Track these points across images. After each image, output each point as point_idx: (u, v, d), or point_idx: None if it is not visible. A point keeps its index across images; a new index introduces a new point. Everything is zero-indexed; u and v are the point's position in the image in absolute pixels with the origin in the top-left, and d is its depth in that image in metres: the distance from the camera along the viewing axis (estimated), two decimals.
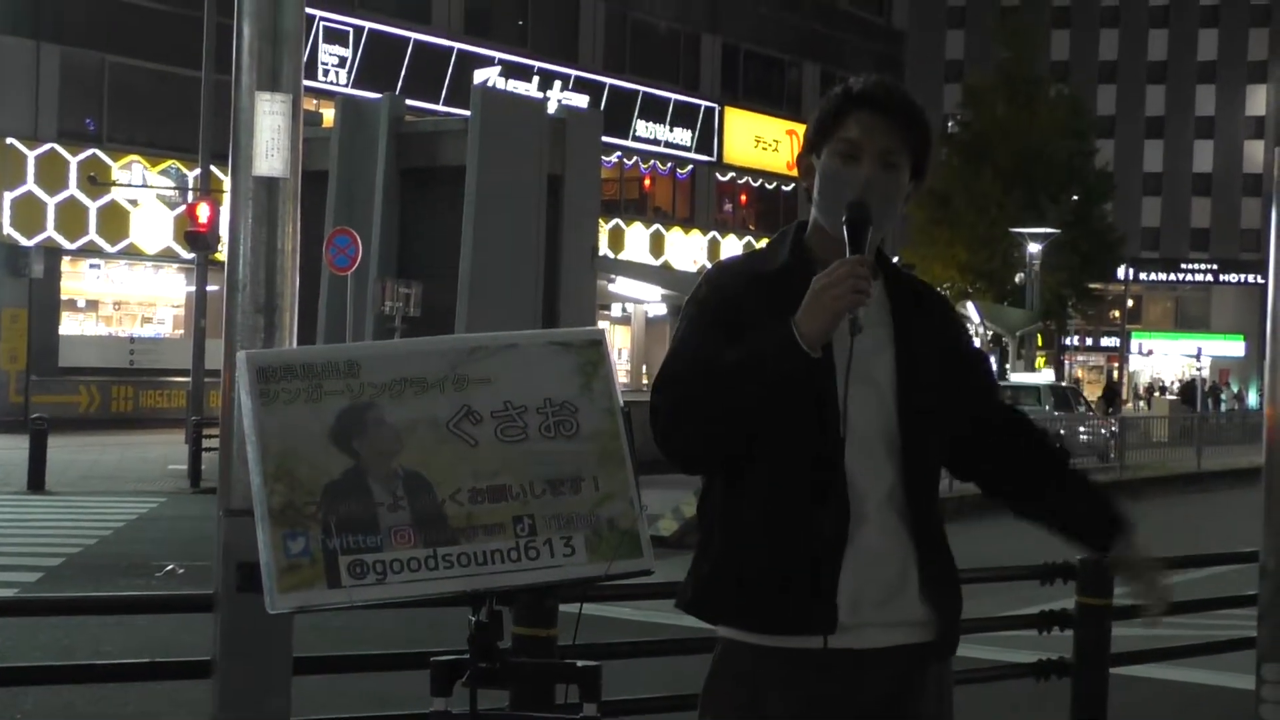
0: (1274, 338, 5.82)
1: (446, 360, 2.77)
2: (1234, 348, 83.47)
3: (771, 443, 2.86)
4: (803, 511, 2.86)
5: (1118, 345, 77.87)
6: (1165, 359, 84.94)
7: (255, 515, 2.60)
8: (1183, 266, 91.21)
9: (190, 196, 30.80)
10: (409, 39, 41.46)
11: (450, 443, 2.72)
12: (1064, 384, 44.10)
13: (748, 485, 2.90)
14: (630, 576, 2.75)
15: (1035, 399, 32.27)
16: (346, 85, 39.01)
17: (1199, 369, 64.33)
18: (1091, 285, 56.60)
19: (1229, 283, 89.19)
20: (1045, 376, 46.54)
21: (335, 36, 39.33)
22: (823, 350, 2.84)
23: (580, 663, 2.76)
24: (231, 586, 4.91)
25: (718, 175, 51.08)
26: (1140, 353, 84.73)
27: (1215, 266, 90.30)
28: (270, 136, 5.00)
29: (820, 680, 2.87)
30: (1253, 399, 71.99)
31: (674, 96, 49.14)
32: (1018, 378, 44.21)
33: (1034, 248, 45.61)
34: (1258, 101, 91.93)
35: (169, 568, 13.61)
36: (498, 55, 43.56)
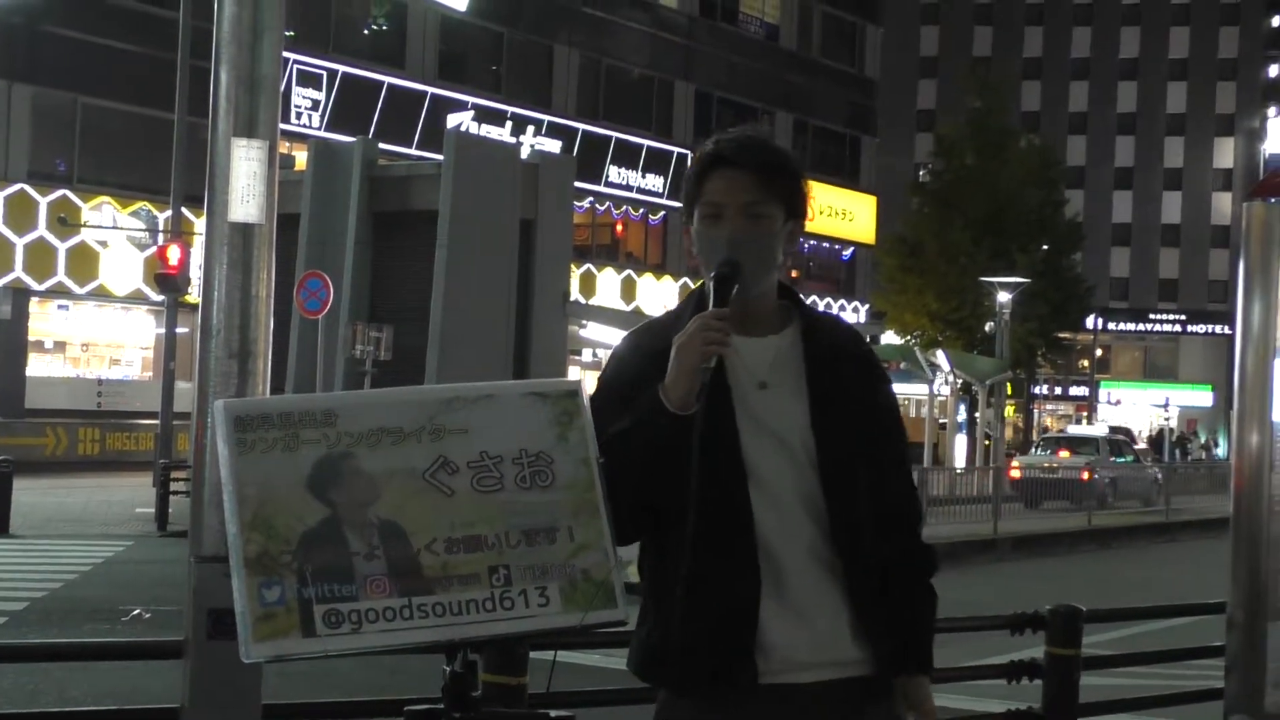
0: (1241, 389, 5.86)
1: (424, 410, 2.79)
2: (1202, 398, 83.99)
3: (682, 504, 2.89)
4: (713, 571, 2.91)
5: (1086, 395, 78.25)
6: (1134, 408, 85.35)
7: (230, 564, 2.61)
8: (1151, 317, 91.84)
9: (161, 238, 30.77)
10: (383, 82, 41.58)
11: (426, 493, 2.74)
12: (1118, 435, 46.31)
13: (666, 547, 2.96)
14: (604, 627, 2.77)
15: (1094, 449, 35.40)
16: (320, 128, 39.08)
17: (1167, 419, 64.69)
18: (1060, 335, 56.83)
19: (1197, 333, 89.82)
20: (1100, 428, 48.85)
21: (309, 79, 39.43)
22: (726, 407, 2.92)
23: (555, 713, 2.78)
24: (202, 633, 4.89)
25: None
26: (1109, 402, 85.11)
27: (1183, 317, 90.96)
28: (246, 182, 5.02)
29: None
30: (1221, 449, 72.33)
31: (646, 142, 49.36)
32: (1075, 429, 46.70)
33: (1004, 297, 45.81)
34: (1225, 154, 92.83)
35: (135, 612, 13.52)
36: (471, 100, 43.71)
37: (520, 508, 2.77)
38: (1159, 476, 34.03)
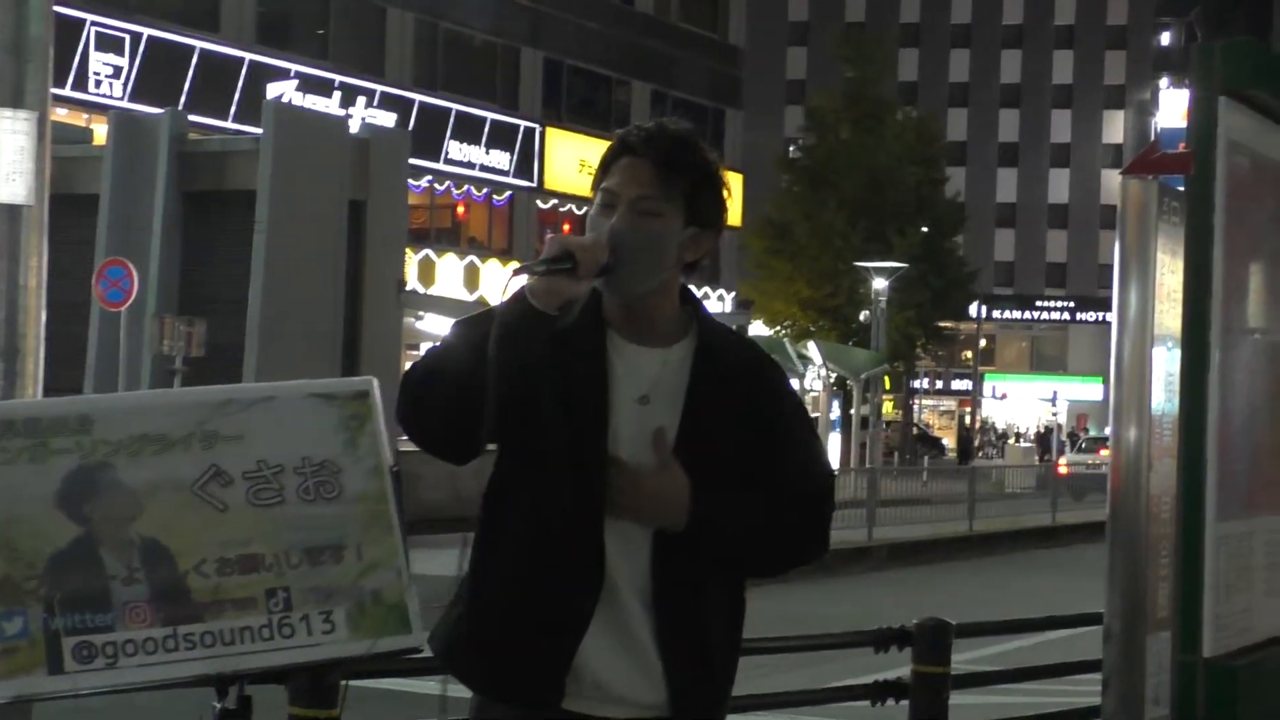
0: (1119, 380, 5.95)
1: (193, 415, 2.72)
2: (1092, 390, 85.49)
3: (531, 506, 2.95)
4: (551, 583, 2.94)
5: (970, 389, 79.40)
6: (1021, 403, 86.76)
7: None
8: (1038, 304, 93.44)
9: None
10: (194, 48, 40.96)
11: (196, 507, 2.68)
12: None
13: (504, 544, 2.98)
14: (397, 654, 2.73)
15: None
16: (122, 98, 38.39)
17: (1055, 414, 65.90)
18: (942, 324, 57.72)
19: (1086, 321, 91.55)
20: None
21: (109, 44, 38.70)
22: (601, 418, 2.95)
23: None
24: None
25: (539, 202, 51.19)
26: (994, 396, 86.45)
27: (1072, 304, 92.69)
28: (13, 158, 4.89)
29: None
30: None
31: (490, 115, 49.19)
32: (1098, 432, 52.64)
33: (880, 283, 46.39)
34: (1115, 128, 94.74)
35: None
36: (294, 68, 43.23)
37: (303, 523, 2.72)
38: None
